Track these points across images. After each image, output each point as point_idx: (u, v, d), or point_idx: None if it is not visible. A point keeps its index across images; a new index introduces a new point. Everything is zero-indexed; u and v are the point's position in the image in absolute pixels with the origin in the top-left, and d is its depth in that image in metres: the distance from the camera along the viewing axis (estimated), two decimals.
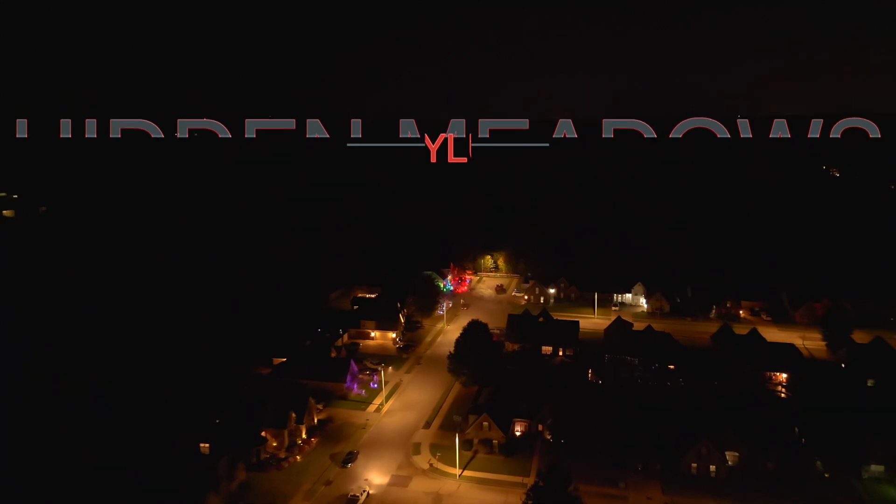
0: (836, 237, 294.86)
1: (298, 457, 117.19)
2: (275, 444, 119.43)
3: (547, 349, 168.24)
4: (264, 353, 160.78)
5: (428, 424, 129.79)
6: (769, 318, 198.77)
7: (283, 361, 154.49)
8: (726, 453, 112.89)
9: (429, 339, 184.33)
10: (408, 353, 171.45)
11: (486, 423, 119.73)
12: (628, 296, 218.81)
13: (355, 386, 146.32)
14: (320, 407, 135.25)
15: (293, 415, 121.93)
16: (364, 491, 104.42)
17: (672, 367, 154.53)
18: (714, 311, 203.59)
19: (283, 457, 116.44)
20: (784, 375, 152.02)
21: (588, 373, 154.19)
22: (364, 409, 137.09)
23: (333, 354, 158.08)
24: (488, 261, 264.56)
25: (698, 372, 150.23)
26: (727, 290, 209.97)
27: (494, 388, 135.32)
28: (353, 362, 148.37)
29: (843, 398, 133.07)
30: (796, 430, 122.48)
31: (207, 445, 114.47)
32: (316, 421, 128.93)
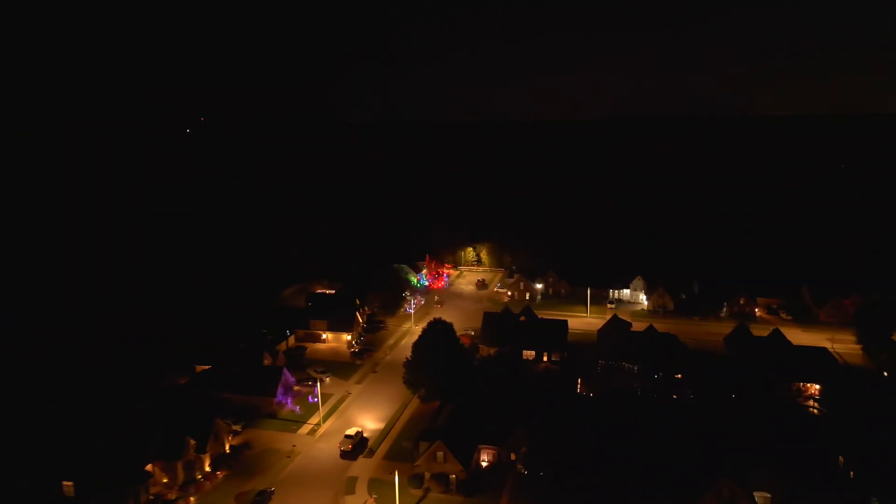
0: (858, 229, 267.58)
1: (193, 498, 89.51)
2: (165, 481, 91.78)
3: (529, 354, 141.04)
4: (187, 359, 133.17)
5: (371, 452, 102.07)
6: (789, 317, 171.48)
7: (205, 369, 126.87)
8: (756, 494, 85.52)
9: (391, 341, 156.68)
10: (363, 358, 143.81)
11: (440, 453, 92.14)
12: (626, 291, 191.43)
13: (289, 401, 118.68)
14: (238, 429, 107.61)
15: (192, 441, 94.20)
16: (358, 431, 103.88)
17: (679, 375, 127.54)
18: (725, 308, 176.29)
19: (172, 498, 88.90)
20: (816, 387, 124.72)
21: (577, 383, 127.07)
22: (295, 431, 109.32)
23: (268, 361, 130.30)
24: (470, 253, 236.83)
25: (711, 382, 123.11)
26: (740, 284, 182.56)
27: (456, 406, 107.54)
28: (286, 372, 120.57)
29: (892, 415, 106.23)
30: (841, 459, 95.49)
31: (72, 484, 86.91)
32: (227, 448, 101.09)
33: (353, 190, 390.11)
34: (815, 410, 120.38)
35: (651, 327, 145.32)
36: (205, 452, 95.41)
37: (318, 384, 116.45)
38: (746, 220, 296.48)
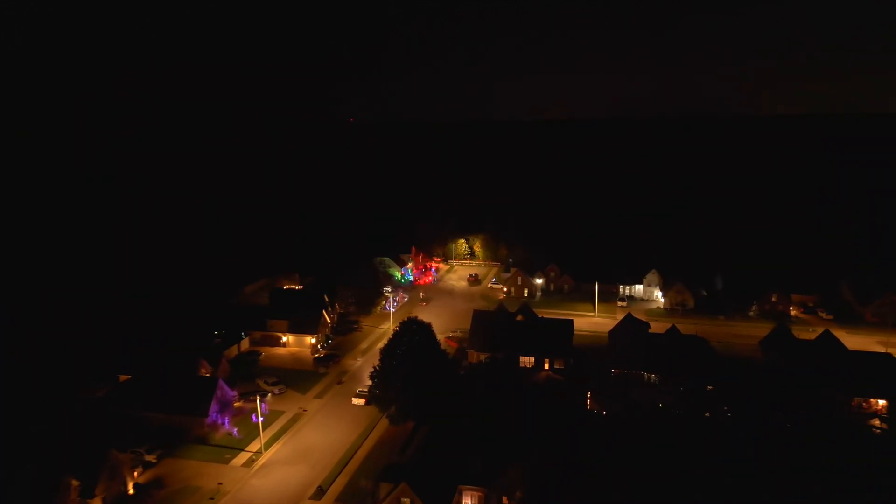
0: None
1: None
2: None
3: (527, 360, 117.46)
4: (111, 367, 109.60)
5: (321, 491, 78.41)
6: (830, 317, 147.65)
7: (127, 380, 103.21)
8: None
9: (364, 345, 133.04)
10: (328, 366, 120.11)
11: (406, 500, 68.54)
12: (638, 287, 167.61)
13: (226, 421, 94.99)
14: (152, 459, 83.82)
15: (74, 482, 70.48)
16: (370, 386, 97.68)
17: (710, 387, 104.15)
18: (755, 307, 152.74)
19: None
20: (882, 402, 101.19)
21: (586, 397, 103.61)
22: (228, 462, 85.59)
23: (206, 370, 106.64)
24: (462, 246, 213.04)
25: (751, 396, 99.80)
26: (767, 279, 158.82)
27: (433, 429, 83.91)
28: (222, 384, 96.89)
29: None
30: None
31: None
32: (130, 488, 77.39)
33: (342, 182, 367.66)
34: (877, 430, 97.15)
35: (673, 328, 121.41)
36: (93, 496, 71.62)
37: (259, 400, 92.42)
38: (769, 213, 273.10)
